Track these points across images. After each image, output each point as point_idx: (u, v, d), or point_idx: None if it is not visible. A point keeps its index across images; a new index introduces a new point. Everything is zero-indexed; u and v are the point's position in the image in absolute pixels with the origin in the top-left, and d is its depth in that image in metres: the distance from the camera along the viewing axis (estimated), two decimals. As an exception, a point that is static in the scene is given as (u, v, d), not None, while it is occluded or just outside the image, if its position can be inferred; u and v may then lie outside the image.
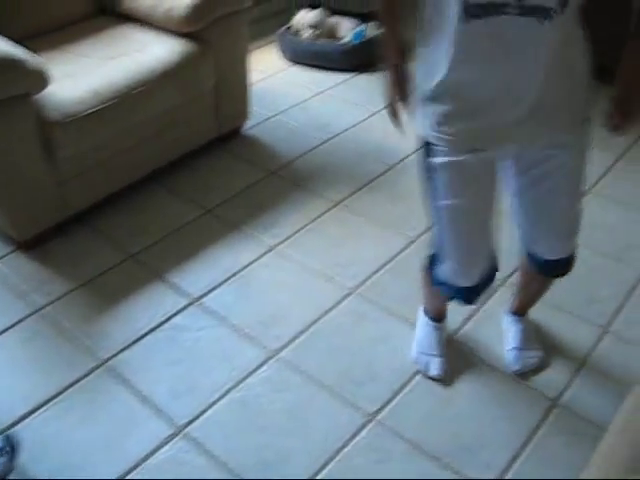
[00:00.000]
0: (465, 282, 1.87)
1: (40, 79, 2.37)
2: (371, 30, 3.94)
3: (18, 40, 2.48)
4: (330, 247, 2.69)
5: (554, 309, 2.41)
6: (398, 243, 2.69)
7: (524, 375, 2.19)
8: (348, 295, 2.46)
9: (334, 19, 4.09)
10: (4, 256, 2.62)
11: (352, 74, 3.92)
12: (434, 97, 1.62)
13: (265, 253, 2.64)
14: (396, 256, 2.63)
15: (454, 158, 1.67)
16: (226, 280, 2.52)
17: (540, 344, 2.28)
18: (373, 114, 3.53)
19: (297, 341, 2.29)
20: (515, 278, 2.33)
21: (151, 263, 2.59)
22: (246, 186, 3.00)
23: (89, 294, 2.47)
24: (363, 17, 4.04)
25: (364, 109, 3.58)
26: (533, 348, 2.27)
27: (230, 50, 3.06)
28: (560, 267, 1.97)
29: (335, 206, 2.90)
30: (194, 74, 2.89)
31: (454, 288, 1.90)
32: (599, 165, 3.16)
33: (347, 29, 4.01)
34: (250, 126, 3.39)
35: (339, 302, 2.44)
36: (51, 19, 3.01)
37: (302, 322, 2.36)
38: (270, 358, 2.23)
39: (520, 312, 2.31)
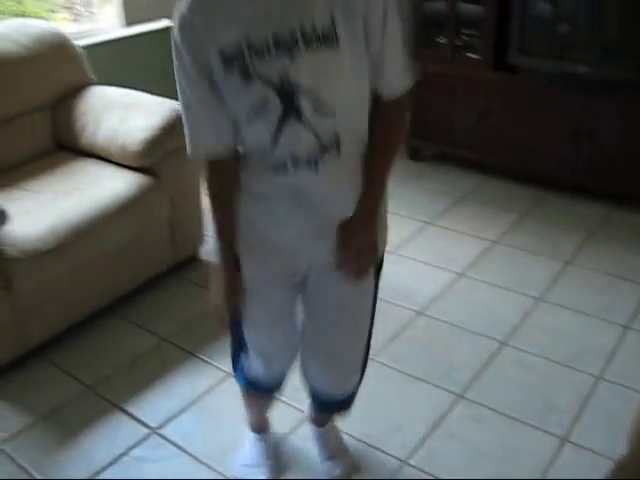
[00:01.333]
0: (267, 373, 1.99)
1: (-1, 218, 2.44)
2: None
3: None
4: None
5: (511, 420, 2.43)
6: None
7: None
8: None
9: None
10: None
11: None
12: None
13: (223, 379, 2.65)
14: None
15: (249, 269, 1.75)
16: (184, 408, 2.52)
17: (347, 449, 2.30)
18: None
19: (257, 468, 2.28)
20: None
21: (109, 394, 2.58)
22: (203, 312, 3.02)
23: (45, 429, 2.44)
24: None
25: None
26: (342, 455, 2.26)
27: (183, 180, 3.18)
28: (332, 405, 2.02)
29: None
30: (149, 206, 2.99)
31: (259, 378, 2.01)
32: (547, 271, 3.28)
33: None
34: (206, 251, 3.45)
35: (297, 426, 2.43)
36: (14, 156, 3.12)
37: (262, 448, 2.34)
38: (230, 487, 2.22)
39: (320, 422, 2.29)
